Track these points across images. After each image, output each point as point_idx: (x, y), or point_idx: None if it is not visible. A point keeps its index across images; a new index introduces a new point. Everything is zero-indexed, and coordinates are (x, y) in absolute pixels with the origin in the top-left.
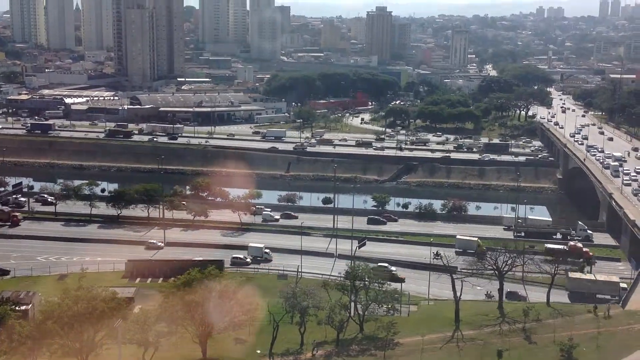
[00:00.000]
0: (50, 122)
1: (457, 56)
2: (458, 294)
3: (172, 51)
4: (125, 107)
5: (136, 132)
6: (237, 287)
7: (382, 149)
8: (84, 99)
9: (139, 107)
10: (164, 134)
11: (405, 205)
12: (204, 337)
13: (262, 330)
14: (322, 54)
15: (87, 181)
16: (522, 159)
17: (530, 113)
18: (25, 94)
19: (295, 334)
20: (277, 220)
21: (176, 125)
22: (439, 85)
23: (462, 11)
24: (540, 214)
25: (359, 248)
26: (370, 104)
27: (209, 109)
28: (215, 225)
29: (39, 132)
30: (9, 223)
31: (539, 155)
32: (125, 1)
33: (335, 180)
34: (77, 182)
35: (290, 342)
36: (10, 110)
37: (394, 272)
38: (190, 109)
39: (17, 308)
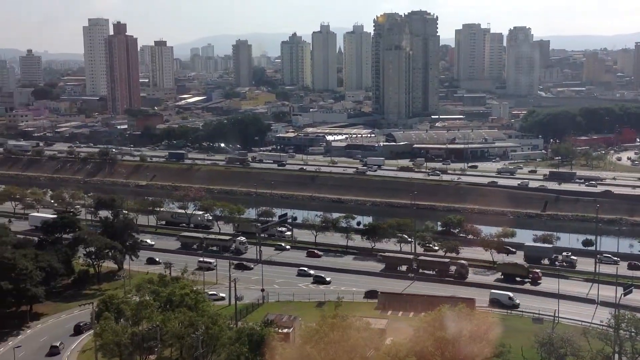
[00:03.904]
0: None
1: None
2: None
3: (426, 89)
4: (381, 143)
5: (250, 159)
6: (489, 327)
7: None
8: (344, 136)
9: (394, 143)
10: (271, 162)
11: None
12: None
13: None
14: (584, 89)
15: (344, 214)
16: None
17: None
18: (292, 131)
19: None
20: None
21: (282, 154)
22: None
23: None
24: None
25: (624, 295)
26: (639, 140)
27: (461, 146)
28: (468, 263)
29: (174, 159)
30: (529, 279)
31: None
32: (384, 43)
33: (597, 221)
34: (335, 215)
35: None
36: (278, 147)
37: None
38: (443, 146)
39: (280, 330)
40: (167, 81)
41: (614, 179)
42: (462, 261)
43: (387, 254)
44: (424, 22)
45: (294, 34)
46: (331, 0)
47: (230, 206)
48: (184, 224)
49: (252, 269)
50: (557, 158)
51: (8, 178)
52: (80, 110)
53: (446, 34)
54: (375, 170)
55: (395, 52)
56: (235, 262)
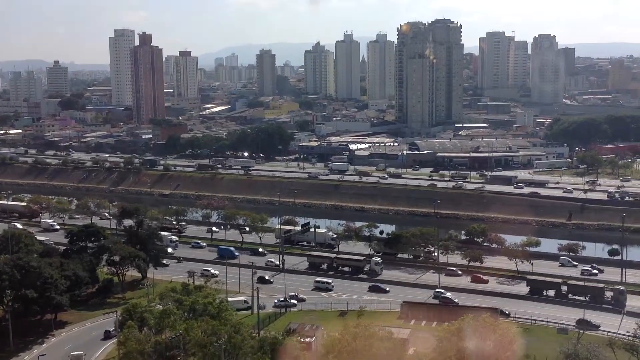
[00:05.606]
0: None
1: None
2: None
3: (450, 98)
4: (404, 152)
5: (219, 166)
6: (513, 338)
7: None
8: (367, 145)
9: (417, 152)
10: (239, 167)
11: None
12: None
13: None
14: (609, 96)
15: (367, 223)
16: None
17: None
18: (315, 140)
19: None
20: None
21: (249, 159)
22: None
23: None
24: None
25: None
26: None
27: (485, 154)
28: (490, 272)
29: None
30: None
31: None
32: (408, 52)
33: (624, 230)
34: (358, 224)
35: None
36: (301, 156)
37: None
38: (467, 154)
39: (302, 339)
40: (192, 91)
41: (557, 183)
42: (620, 287)
43: (532, 277)
44: (447, 31)
45: (318, 43)
46: (355, 10)
47: (253, 215)
48: (305, 243)
49: (388, 291)
50: (582, 166)
51: (34, 187)
52: (105, 120)
53: (470, 43)
54: (327, 175)
55: (418, 61)
56: (370, 284)
